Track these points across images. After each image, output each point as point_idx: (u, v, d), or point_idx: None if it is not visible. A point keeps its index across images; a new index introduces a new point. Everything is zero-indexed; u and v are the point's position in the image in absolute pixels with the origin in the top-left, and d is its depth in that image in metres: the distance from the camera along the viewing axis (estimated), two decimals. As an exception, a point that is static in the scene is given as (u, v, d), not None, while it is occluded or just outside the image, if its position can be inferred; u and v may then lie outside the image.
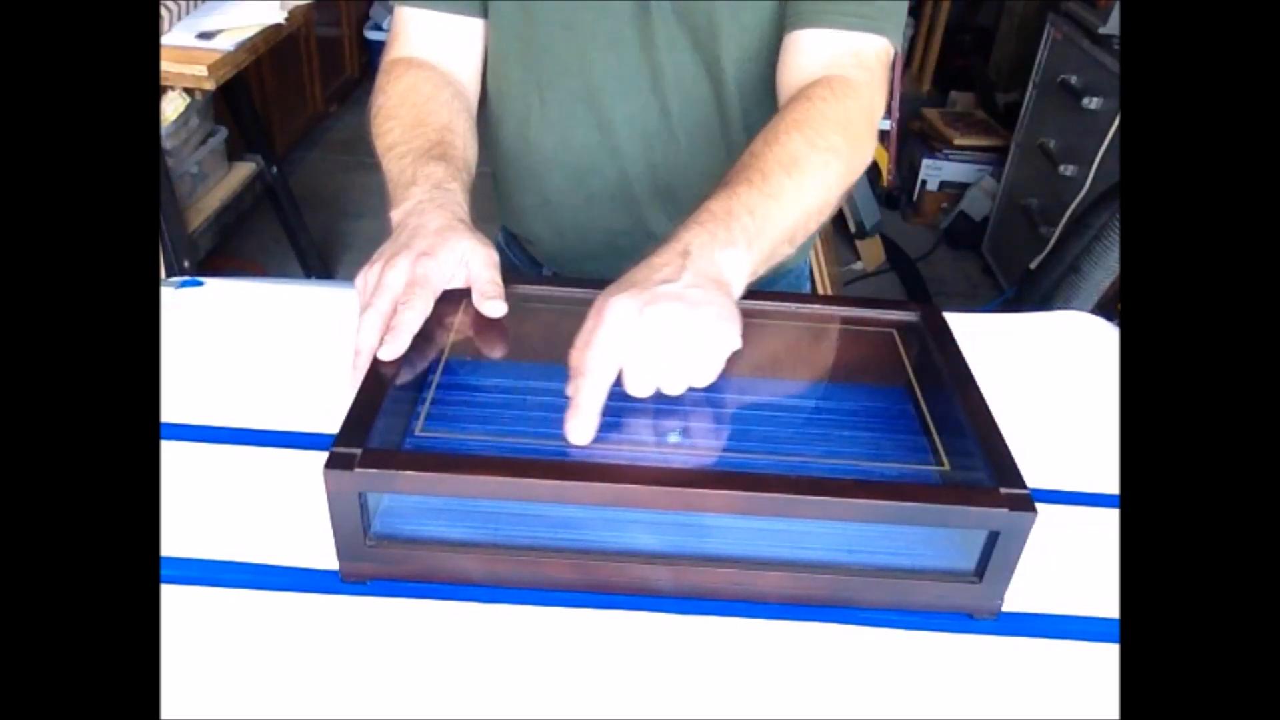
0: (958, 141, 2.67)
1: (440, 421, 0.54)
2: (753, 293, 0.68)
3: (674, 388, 0.54)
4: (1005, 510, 0.48)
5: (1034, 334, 0.82)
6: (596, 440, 0.53)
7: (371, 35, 3.29)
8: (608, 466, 0.50)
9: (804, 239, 0.68)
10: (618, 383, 0.54)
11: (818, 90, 0.70)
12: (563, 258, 0.89)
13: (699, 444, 0.55)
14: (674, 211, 0.84)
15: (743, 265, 0.60)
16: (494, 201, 0.93)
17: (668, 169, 0.82)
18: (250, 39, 1.64)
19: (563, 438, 0.52)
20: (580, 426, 0.52)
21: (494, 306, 0.62)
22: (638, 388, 0.54)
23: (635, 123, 0.80)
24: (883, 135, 2.47)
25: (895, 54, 0.75)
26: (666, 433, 0.55)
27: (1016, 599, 0.53)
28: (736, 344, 0.56)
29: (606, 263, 0.86)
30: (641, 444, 0.55)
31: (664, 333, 0.53)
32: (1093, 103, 1.97)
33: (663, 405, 0.57)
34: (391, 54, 0.81)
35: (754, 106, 0.80)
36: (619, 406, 0.56)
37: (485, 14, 0.81)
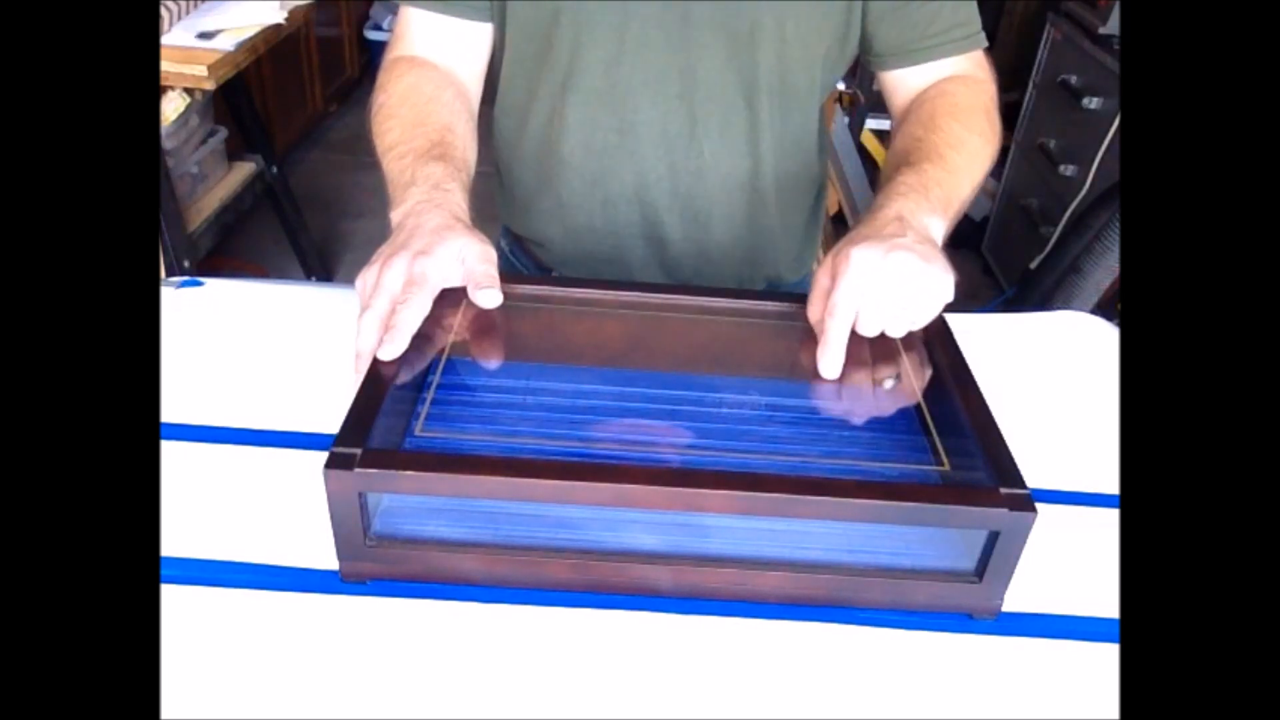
0: (958, 141, 2.67)
1: (440, 421, 0.54)
2: (753, 293, 0.69)
3: (898, 330, 0.61)
4: (1005, 510, 0.48)
5: (1034, 334, 0.82)
6: (595, 440, 0.53)
7: (371, 35, 3.29)
8: (608, 466, 0.50)
9: (964, 210, 0.74)
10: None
11: (953, 85, 0.78)
12: (573, 260, 0.89)
13: (700, 444, 0.55)
14: (690, 218, 0.84)
15: (940, 229, 0.67)
16: (495, 202, 0.93)
17: (688, 175, 0.82)
18: (250, 39, 1.64)
19: (563, 436, 0.52)
20: (831, 361, 0.59)
21: (488, 296, 0.61)
22: (869, 326, 0.60)
23: (657, 126, 0.79)
24: (883, 135, 2.47)
25: None
26: (670, 434, 0.55)
27: (1016, 599, 0.53)
28: (951, 295, 0.62)
29: (618, 267, 0.86)
30: (642, 443, 0.55)
31: (902, 277, 0.60)
32: (1093, 103, 1.97)
33: (663, 406, 0.57)
34: (394, 52, 0.81)
35: (785, 118, 0.81)
36: (622, 407, 0.56)
37: (491, 18, 0.80)
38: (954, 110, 0.76)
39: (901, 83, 0.81)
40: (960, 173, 0.71)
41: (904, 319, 0.61)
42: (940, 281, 0.61)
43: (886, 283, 0.59)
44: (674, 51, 0.76)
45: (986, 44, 0.81)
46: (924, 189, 0.67)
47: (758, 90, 0.78)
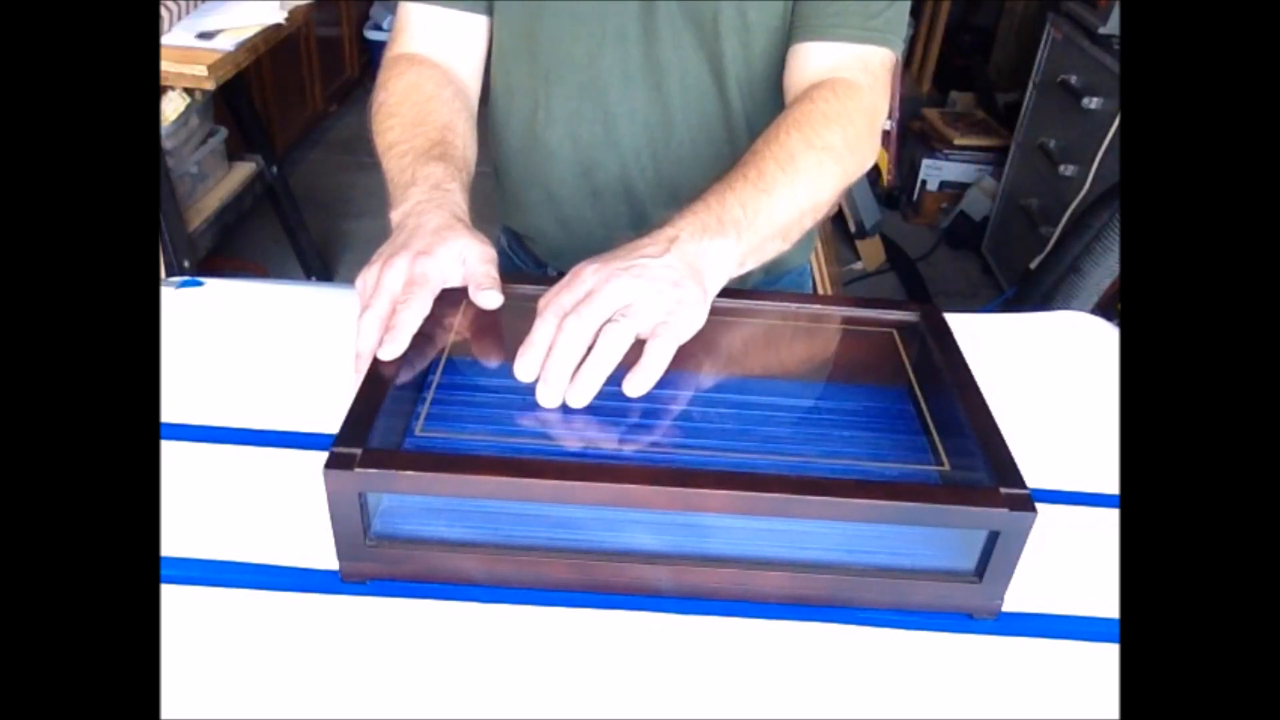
0: (958, 141, 2.67)
1: (440, 421, 0.54)
2: (753, 292, 0.69)
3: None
4: (1005, 510, 0.48)
5: (1034, 334, 0.82)
6: (595, 440, 0.53)
7: (371, 35, 3.29)
8: (608, 466, 0.50)
9: (799, 235, 0.70)
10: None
11: (820, 92, 0.72)
12: (567, 254, 0.90)
13: (699, 444, 0.55)
14: (675, 207, 0.84)
15: (729, 255, 0.62)
16: (495, 201, 0.93)
17: (669, 165, 0.82)
18: (250, 39, 1.64)
19: (549, 435, 0.52)
20: (527, 364, 0.55)
21: (489, 298, 0.62)
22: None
23: (637, 118, 0.80)
24: (883, 135, 2.47)
25: (897, 60, 0.77)
26: (663, 430, 0.55)
27: (1016, 599, 0.53)
28: (692, 329, 0.58)
29: None
30: (640, 443, 0.55)
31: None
32: (1093, 103, 1.97)
33: (663, 405, 0.57)
34: (394, 50, 0.81)
35: (757, 105, 0.81)
36: (617, 406, 0.56)
37: (489, 11, 0.81)
38: (804, 120, 0.69)
39: (790, 61, 0.76)
40: (777, 192, 0.65)
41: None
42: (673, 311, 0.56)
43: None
44: (649, 43, 0.77)
45: (893, 50, 0.75)
46: (720, 208, 0.63)
47: (727, 78, 0.78)
